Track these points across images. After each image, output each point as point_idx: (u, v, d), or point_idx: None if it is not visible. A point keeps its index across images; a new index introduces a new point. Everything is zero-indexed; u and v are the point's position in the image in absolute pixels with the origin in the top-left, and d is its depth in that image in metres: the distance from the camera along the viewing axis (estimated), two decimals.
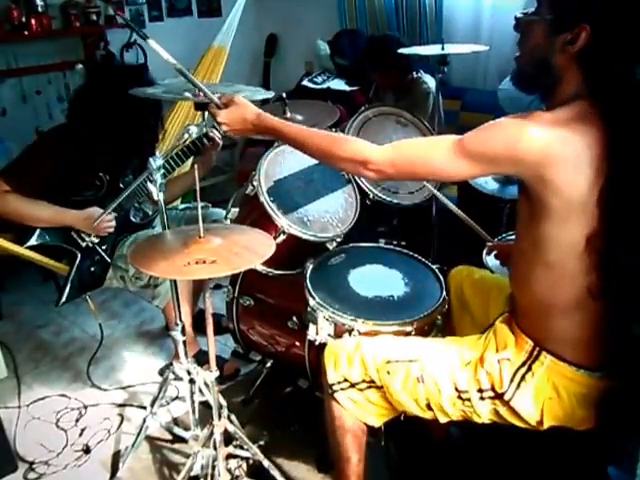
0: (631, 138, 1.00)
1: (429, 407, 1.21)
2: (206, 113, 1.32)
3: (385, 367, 1.22)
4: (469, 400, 1.17)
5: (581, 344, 1.12)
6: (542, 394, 1.13)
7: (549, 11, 1.03)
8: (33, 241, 1.82)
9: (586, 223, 1.03)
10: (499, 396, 1.15)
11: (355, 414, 1.26)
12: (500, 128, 1.04)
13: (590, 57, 1.00)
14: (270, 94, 1.53)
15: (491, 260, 1.63)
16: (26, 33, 2.89)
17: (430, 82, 2.62)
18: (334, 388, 1.27)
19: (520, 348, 1.16)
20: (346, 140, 1.22)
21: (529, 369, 1.13)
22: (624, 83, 1.02)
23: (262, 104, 3.06)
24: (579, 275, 1.06)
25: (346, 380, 1.25)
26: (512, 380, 1.14)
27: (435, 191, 1.83)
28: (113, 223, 1.90)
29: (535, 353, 1.14)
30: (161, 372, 2.10)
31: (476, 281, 1.49)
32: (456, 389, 1.18)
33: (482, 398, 1.17)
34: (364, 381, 1.24)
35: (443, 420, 1.22)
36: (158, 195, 1.39)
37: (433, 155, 1.10)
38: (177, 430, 1.76)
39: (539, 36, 1.05)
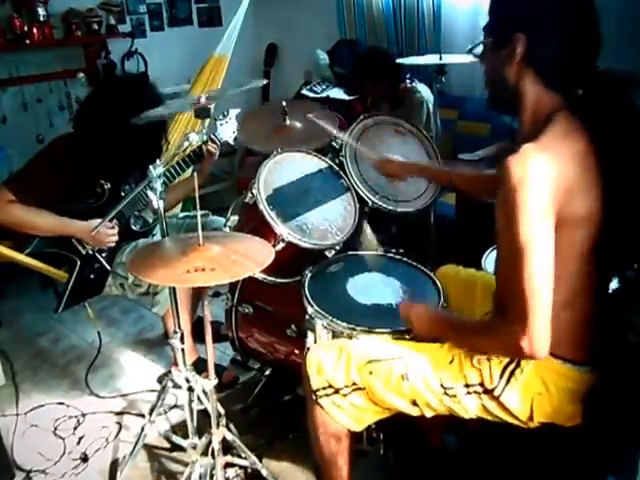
0: (616, 140, 1.02)
1: (414, 403, 1.22)
2: (206, 121, 1.31)
3: (367, 367, 1.23)
4: (455, 396, 1.18)
5: (569, 340, 1.13)
6: (531, 390, 1.14)
7: (488, 35, 1.14)
8: (32, 248, 1.83)
9: (585, 230, 1.04)
10: (488, 391, 1.16)
11: (338, 419, 1.26)
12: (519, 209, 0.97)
13: (536, 58, 1.05)
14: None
15: (490, 265, 1.64)
16: (28, 42, 2.91)
17: (424, 91, 2.64)
18: (318, 394, 1.26)
19: None
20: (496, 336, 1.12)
21: (518, 365, 1.14)
22: (586, 77, 1.05)
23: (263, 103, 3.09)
24: (571, 276, 1.07)
25: (330, 386, 1.25)
26: (502, 376, 1.15)
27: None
28: (115, 235, 1.90)
29: None
30: (159, 380, 2.10)
31: (462, 281, 1.51)
32: (442, 385, 1.19)
33: (469, 393, 1.18)
34: (347, 386, 1.25)
35: (429, 415, 1.23)
36: (158, 203, 1.40)
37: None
38: (175, 438, 1.75)
39: (489, 59, 1.14)
